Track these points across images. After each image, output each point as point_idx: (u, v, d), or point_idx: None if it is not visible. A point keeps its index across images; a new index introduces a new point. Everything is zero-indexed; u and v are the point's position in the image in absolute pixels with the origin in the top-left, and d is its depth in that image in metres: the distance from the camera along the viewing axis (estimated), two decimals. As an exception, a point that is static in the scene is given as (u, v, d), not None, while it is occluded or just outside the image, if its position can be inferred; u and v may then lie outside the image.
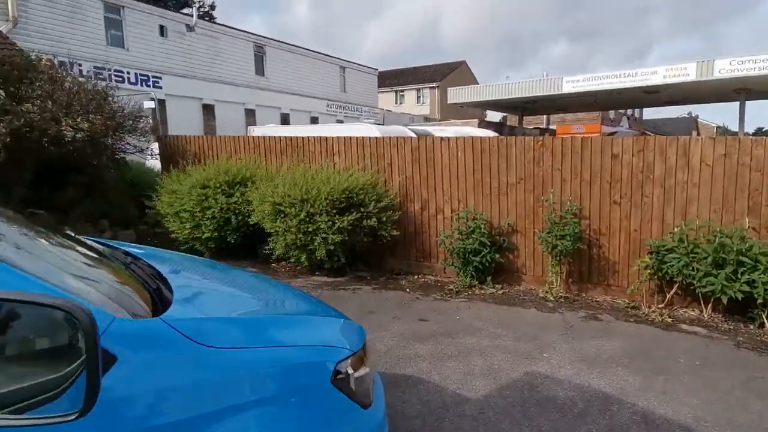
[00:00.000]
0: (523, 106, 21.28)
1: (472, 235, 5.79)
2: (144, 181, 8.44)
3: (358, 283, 6.13)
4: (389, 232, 6.19)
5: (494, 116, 33.03)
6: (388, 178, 6.68)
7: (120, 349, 1.12)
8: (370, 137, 6.90)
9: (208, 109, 19.62)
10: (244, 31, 21.89)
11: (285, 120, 22.72)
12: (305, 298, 2.29)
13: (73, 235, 2.05)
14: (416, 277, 6.48)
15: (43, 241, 1.74)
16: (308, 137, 7.26)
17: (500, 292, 5.77)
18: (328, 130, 10.52)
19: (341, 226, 5.78)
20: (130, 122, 7.86)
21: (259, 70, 22.30)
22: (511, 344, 4.25)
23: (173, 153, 8.18)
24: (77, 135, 6.70)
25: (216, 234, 6.54)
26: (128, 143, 8.05)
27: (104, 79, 14.93)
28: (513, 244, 5.98)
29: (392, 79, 45.60)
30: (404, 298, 5.60)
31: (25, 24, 13.52)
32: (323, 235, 5.80)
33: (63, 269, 1.46)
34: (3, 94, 6.36)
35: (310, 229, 5.83)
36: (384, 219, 6.14)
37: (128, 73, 16.53)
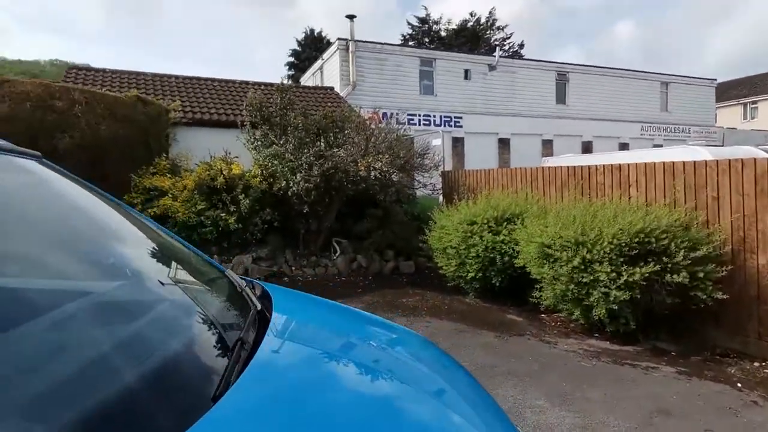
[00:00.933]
0: None
1: None
2: (428, 215, 8.82)
3: (653, 359, 4.48)
4: (709, 294, 4.37)
5: None
6: (711, 218, 4.80)
7: None
8: (684, 162, 5.15)
9: (503, 143, 19.82)
10: (544, 62, 21.35)
11: (587, 149, 20.82)
12: None
13: (220, 273, 1.64)
14: (756, 364, 4.29)
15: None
16: (595, 166, 6.03)
17: None
18: (629, 156, 8.79)
19: (630, 280, 4.38)
20: (418, 159, 8.37)
21: (560, 98, 21.24)
22: None
23: (452, 188, 8.26)
24: (370, 174, 7.49)
25: (480, 274, 6.05)
26: (414, 179, 8.59)
27: (415, 124, 17.18)
28: None
29: (738, 90, 36.43)
30: (730, 397, 3.69)
31: (361, 86, 16.84)
32: (603, 290, 4.52)
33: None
34: (322, 142, 7.72)
35: (585, 280, 4.64)
36: (701, 275, 4.38)
37: (435, 116, 18.38)
